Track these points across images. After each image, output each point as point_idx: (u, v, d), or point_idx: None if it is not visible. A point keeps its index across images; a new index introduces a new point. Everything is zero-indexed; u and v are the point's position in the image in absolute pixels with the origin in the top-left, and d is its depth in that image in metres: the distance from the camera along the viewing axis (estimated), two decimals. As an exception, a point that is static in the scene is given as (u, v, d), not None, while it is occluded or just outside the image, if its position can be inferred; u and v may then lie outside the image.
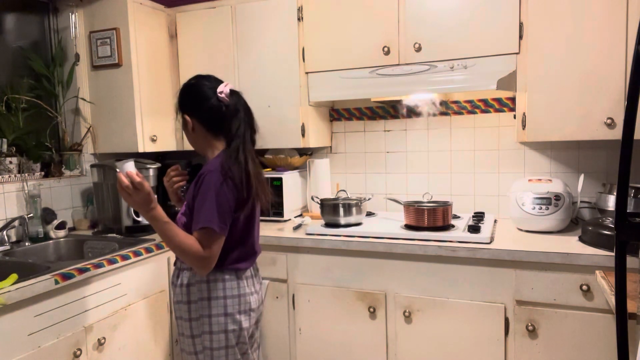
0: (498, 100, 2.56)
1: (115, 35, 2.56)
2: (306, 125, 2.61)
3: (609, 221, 1.97)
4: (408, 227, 2.29)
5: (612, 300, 1.43)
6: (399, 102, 2.65)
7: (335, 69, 2.49)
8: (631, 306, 1.33)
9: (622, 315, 1.31)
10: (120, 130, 2.63)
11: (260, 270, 1.84)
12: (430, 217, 2.22)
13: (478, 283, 2.03)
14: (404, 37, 2.33)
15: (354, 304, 2.24)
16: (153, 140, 2.67)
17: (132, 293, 2.09)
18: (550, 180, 2.28)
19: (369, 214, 2.68)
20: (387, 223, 2.44)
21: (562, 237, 2.11)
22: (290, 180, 2.74)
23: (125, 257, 2.03)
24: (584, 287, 1.86)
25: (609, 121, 2.01)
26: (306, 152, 2.92)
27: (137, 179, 1.48)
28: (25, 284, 1.63)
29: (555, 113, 2.11)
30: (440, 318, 2.09)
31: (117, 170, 1.51)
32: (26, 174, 2.38)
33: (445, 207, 2.24)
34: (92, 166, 2.55)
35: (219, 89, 1.61)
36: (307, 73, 2.57)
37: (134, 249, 2.11)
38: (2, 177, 2.27)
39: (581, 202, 2.38)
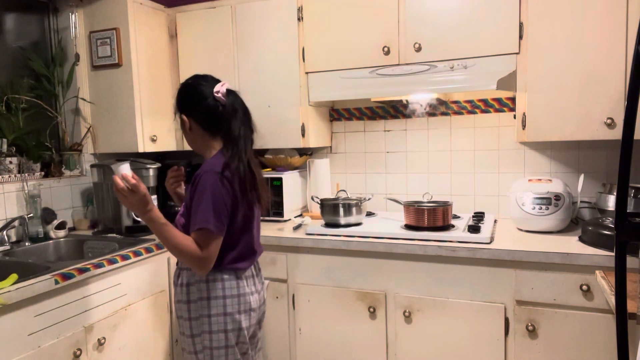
0: (498, 100, 2.56)
1: (115, 35, 2.56)
2: (306, 125, 2.61)
3: (609, 221, 1.97)
4: (408, 227, 2.29)
5: (612, 300, 1.43)
6: (399, 102, 2.65)
7: (335, 69, 2.49)
8: (631, 306, 1.33)
9: (622, 315, 1.31)
10: (120, 130, 2.63)
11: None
12: (430, 217, 2.22)
13: (478, 283, 2.03)
14: (404, 37, 2.33)
15: (354, 304, 2.24)
16: (153, 140, 2.67)
17: (132, 293, 2.09)
18: (550, 180, 2.28)
19: (369, 214, 2.68)
20: (387, 223, 2.44)
21: (562, 237, 2.11)
22: (290, 180, 2.74)
23: (125, 257, 2.03)
24: (584, 287, 1.86)
25: (609, 121, 2.01)
26: (306, 152, 2.92)
27: (132, 181, 1.48)
28: (25, 284, 1.63)
29: (555, 113, 2.11)
30: (440, 318, 2.09)
31: (113, 172, 1.50)
32: (26, 174, 2.38)
33: (445, 207, 2.24)
34: (92, 166, 2.56)
35: (215, 89, 1.61)
36: (307, 73, 2.57)
37: (134, 249, 2.11)
38: (2, 177, 2.27)
39: (581, 202, 2.38)
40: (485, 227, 2.22)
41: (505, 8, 2.15)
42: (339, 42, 2.46)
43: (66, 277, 1.76)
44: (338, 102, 2.90)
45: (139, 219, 2.43)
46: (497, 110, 2.58)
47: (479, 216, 2.44)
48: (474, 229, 2.13)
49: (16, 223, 2.27)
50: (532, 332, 1.95)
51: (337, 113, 2.91)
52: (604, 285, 1.63)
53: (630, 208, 1.87)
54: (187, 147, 1.75)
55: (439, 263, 2.08)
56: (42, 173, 2.49)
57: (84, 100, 2.68)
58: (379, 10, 2.36)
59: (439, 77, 2.28)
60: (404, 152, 2.78)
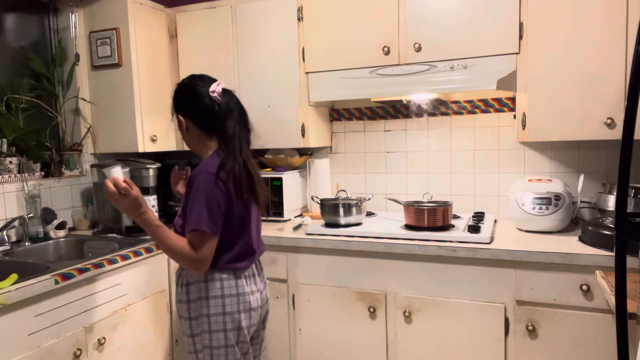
0: (498, 100, 2.56)
1: (115, 35, 2.56)
2: (306, 125, 2.61)
3: (609, 221, 1.97)
4: (408, 227, 2.29)
5: (612, 300, 1.43)
6: (399, 102, 2.65)
7: (335, 69, 2.49)
8: (631, 306, 1.33)
9: (622, 315, 1.31)
10: (120, 130, 2.63)
11: (261, 270, 1.84)
12: (430, 217, 2.22)
13: (478, 283, 2.03)
14: (404, 37, 2.33)
15: (354, 304, 2.24)
16: (153, 140, 2.67)
17: (132, 293, 2.09)
18: (550, 180, 2.28)
19: (369, 214, 2.68)
20: (387, 223, 2.44)
21: (562, 237, 2.11)
22: (290, 180, 2.74)
23: (125, 257, 2.03)
24: (584, 287, 1.86)
25: (609, 121, 2.01)
26: (306, 152, 2.92)
27: (122, 184, 1.50)
28: (25, 284, 1.63)
29: (555, 113, 2.11)
30: (440, 318, 2.09)
31: (104, 176, 1.52)
32: (26, 174, 2.38)
33: (445, 207, 2.24)
34: (92, 166, 2.56)
35: (211, 88, 1.61)
36: (307, 73, 2.57)
37: (134, 249, 2.11)
38: (2, 177, 2.27)
39: (581, 202, 2.38)
40: (485, 227, 2.22)
41: (505, 8, 2.15)
42: (339, 42, 2.46)
43: (66, 277, 1.76)
44: (338, 102, 2.90)
45: (137, 220, 2.43)
46: (497, 110, 2.58)
47: (479, 216, 2.44)
48: (474, 229, 2.13)
49: (16, 223, 2.27)
50: (532, 332, 1.95)
51: (337, 113, 2.91)
52: (604, 285, 1.63)
53: (630, 208, 1.87)
54: (187, 147, 1.75)
55: (439, 263, 2.08)
56: (42, 173, 2.49)
57: (84, 100, 2.68)
58: (379, 10, 2.36)
59: (439, 77, 2.28)
60: (404, 152, 2.78)
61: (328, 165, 2.85)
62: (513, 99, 2.46)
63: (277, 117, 2.61)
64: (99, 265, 1.90)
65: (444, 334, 2.09)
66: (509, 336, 2.00)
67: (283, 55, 2.58)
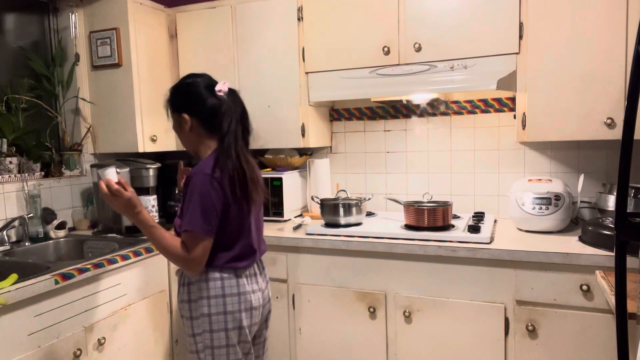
0: (498, 100, 2.56)
1: (115, 35, 2.56)
2: (306, 125, 2.61)
3: (609, 221, 1.97)
4: (408, 227, 2.29)
5: (612, 300, 1.43)
6: (399, 102, 2.65)
7: (335, 69, 2.49)
8: (631, 306, 1.33)
9: (622, 315, 1.31)
10: (120, 130, 2.63)
11: (261, 270, 1.84)
12: (430, 217, 2.22)
13: (478, 283, 2.03)
14: (404, 37, 2.33)
15: (354, 304, 2.24)
16: (153, 140, 2.67)
17: (132, 293, 2.09)
18: (550, 180, 2.28)
19: (369, 214, 2.68)
20: (387, 223, 2.44)
21: (562, 237, 2.11)
22: (290, 180, 2.74)
23: (125, 257, 2.03)
24: (584, 287, 1.86)
25: (609, 121, 2.01)
26: (306, 152, 2.92)
27: (115, 186, 1.52)
28: (25, 284, 1.63)
29: (555, 113, 2.11)
30: (440, 318, 2.09)
31: (99, 177, 1.54)
32: (26, 174, 2.38)
33: (445, 207, 2.24)
34: (92, 166, 2.56)
35: (217, 87, 1.61)
36: (307, 73, 2.57)
37: (134, 249, 2.11)
38: (2, 177, 2.27)
39: (581, 202, 2.38)
40: (485, 227, 2.22)
41: (505, 8, 2.15)
42: (339, 42, 2.46)
43: (66, 277, 1.76)
44: (338, 102, 2.90)
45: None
46: (497, 110, 2.58)
47: (479, 216, 2.44)
48: (474, 229, 2.13)
49: (16, 223, 2.27)
50: (532, 332, 1.95)
51: (337, 113, 2.91)
52: (604, 285, 1.63)
53: (630, 208, 1.88)
54: (184, 147, 1.74)
55: (439, 263, 2.08)
56: (42, 173, 2.49)
57: (84, 100, 2.68)
58: (379, 10, 2.36)
59: (439, 77, 2.28)
60: (404, 152, 2.78)
61: (328, 165, 2.85)
62: (513, 99, 2.46)
63: (277, 117, 2.61)
64: (99, 265, 1.90)
65: (444, 334, 2.09)
66: (509, 336, 2.00)
67: (283, 55, 2.58)
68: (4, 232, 2.20)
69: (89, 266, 1.86)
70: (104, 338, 1.92)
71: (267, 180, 2.66)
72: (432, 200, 2.33)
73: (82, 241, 2.39)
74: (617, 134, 1.98)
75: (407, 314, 2.14)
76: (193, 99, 1.64)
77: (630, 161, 1.28)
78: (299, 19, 2.54)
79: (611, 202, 2.10)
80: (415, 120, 2.74)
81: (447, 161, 2.69)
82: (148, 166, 2.54)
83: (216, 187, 1.54)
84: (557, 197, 2.16)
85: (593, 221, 2.08)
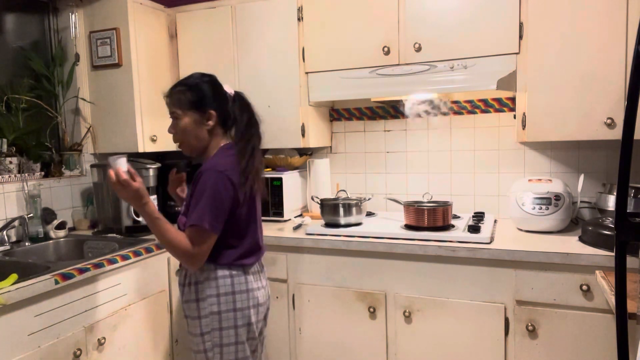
0: (498, 100, 2.56)
1: (115, 35, 2.56)
2: (306, 125, 2.61)
3: (609, 221, 1.97)
4: (408, 227, 2.29)
5: (612, 300, 1.43)
6: (399, 102, 2.65)
7: (335, 69, 2.49)
8: (631, 306, 1.33)
9: (622, 315, 1.31)
10: (120, 130, 2.63)
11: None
12: (430, 217, 2.22)
13: (478, 283, 2.03)
14: (404, 37, 2.33)
15: (354, 304, 2.24)
16: (153, 140, 2.67)
17: (132, 293, 2.09)
18: (550, 180, 2.28)
19: (369, 214, 2.68)
20: (387, 223, 2.44)
21: (562, 237, 2.11)
22: (290, 180, 2.74)
23: (125, 257, 2.03)
24: (584, 287, 1.86)
25: (609, 121, 2.01)
26: (306, 152, 2.92)
27: (123, 176, 1.51)
28: (25, 284, 1.63)
29: (555, 113, 2.11)
30: (440, 318, 2.09)
31: (109, 165, 1.53)
32: (26, 174, 2.38)
33: (445, 207, 2.24)
34: (92, 166, 2.56)
35: (225, 88, 1.70)
36: (307, 73, 2.57)
37: (134, 249, 2.11)
38: (2, 177, 2.27)
39: (581, 202, 2.38)
40: (485, 227, 2.22)
41: (505, 8, 2.15)
42: (339, 42, 2.46)
43: (66, 277, 1.76)
44: (338, 102, 2.90)
45: (139, 219, 2.43)
46: (497, 110, 2.58)
47: (479, 216, 2.44)
48: (474, 229, 2.13)
49: (16, 223, 2.27)
50: (532, 332, 1.95)
51: (337, 113, 2.91)
52: (604, 285, 1.63)
53: (630, 208, 1.88)
54: (193, 143, 1.71)
55: (439, 263, 2.08)
56: (42, 173, 2.49)
57: (84, 100, 2.68)
58: (379, 10, 2.36)
59: (439, 77, 2.28)
60: (404, 152, 2.78)
61: (328, 165, 2.85)
62: (513, 99, 2.46)
63: (277, 117, 2.61)
64: (99, 265, 1.90)
65: (444, 334, 2.09)
66: (509, 336, 2.00)
67: (283, 55, 2.58)
68: (4, 232, 2.20)
69: (89, 266, 1.86)
70: (104, 338, 1.92)
71: (267, 180, 2.66)
72: (432, 200, 2.33)
73: (82, 241, 2.39)
74: (617, 134, 1.98)
75: (407, 314, 2.14)
76: (218, 96, 1.68)
77: (630, 161, 1.28)
78: (299, 19, 2.54)
79: (611, 202, 2.10)
80: (415, 120, 2.73)
81: (447, 161, 2.69)
82: (148, 166, 2.54)
83: (228, 185, 1.56)
84: (557, 197, 2.17)
85: (593, 221, 2.08)
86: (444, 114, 2.67)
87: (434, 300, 2.10)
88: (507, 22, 2.15)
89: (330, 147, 2.96)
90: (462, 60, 2.24)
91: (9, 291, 1.57)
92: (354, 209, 2.39)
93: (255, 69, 2.65)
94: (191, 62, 2.78)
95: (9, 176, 2.30)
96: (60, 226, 2.39)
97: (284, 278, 2.37)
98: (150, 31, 2.69)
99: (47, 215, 2.41)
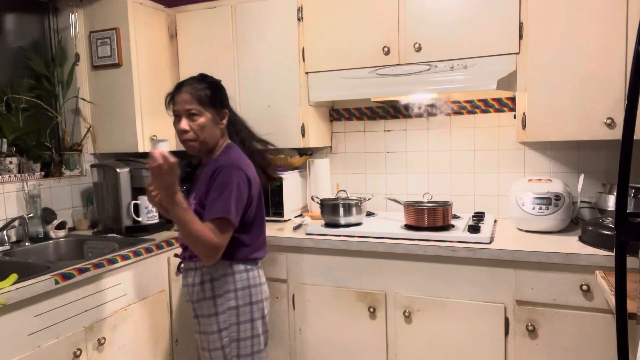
0: (498, 100, 2.56)
1: (115, 35, 2.56)
2: (306, 125, 2.61)
3: (609, 221, 1.97)
4: (408, 227, 2.29)
5: (612, 300, 1.43)
6: (398, 102, 2.65)
7: (335, 69, 2.49)
8: (631, 306, 1.33)
9: (622, 315, 1.31)
10: (120, 130, 2.63)
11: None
12: (430, 217, 2.22)
13: (478, 283, 2.03)
14: (404, 37, 2.33)
15: (354, 304, 2.24)
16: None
17: (132, 293, 2.09)
18: (550, 180, 2.28)
19: (369, 214, 2.68)
20: (387, 223, 2.44)
21: (562, 237, 2.11)
22: (290, 180, 2.74)
23: (125, 257, 2.03)
24: (584, 287, 1.86)
25: (609, 121, 2.01)
26: (306, 152, 2.92)
27: (172, 159, 1.46)
28: (25, 284, 1.63)
29: (555, 113, 2.11)
30: (440, 318, 2.09)
31: (153, 148, 1.48)
32: (26, 174, 2.38)
33: (445, 207, 2.24)
34: (92, 166, 2.56)
35: None
36: (307, 73, 2.57)
37: (134, 249, 2.11)
38: (2, 177, 2.27)
39: (581, 202, 2.38)
40: (485, 227, 2.22)
41: (505, 8, 2.15)
42: (339, 42, 2.46)
43: (66, 277, 1.76)
44: (338, 102, 2.90)
45: (139, 219, 2.43)
46: (497, 110, 2.58)
47: (479, 216, 2.44)
48: (474, 229, 2.13)
49: (16, 223, 2.27)
50: (532, 332, 1.95)
51: (337, 113, 2.91)
52: (604, 285, 1.63)
53: (630, 208, 1.88)
54: (207, 141, 1.71)
55: (439, 263, 2.08)
56: (42, 173, 2.49)
57: (84, 100, 2.68)
58: (379, 10, 2.36)
59: (439, 77, 2.28)
60: (404, 152, 2.78)
61: (328, 165, 2.85)
62: (513, 99, 2.46)
63: (277, 117, 2.61)
64: (99, 265, 1.90)
65: (444, 334, 2.09)
66: (509, 336, 2.00)
67: (283, 55, 2.58)
68: (4, 232, 2.20)
69: (89, 266, 1.86)
70: (104, 338, 1.92)
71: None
72: (432, 200, 2.33)
73: (82, 241, 2.39)
74: (617, 134, 1.97)
75: (407, 314, 2.14)
76: (226, 97, 1.76)
77: (630, 161, 1.28)
78: (299, 19, 2.54)
79: (611, 202, 2.09)
80: (415, 120, 2.74)
81: (447, 161, 2.69)
82: (148, 166, 2.53)
83: (245, 181, 1.62)
84: (557, 197, 2.17)
85: (593, 221, 2.08)
86: (446, 114, 2.67)
87: (434, 300, 2.10)
88: (507, 22, 2.15)
89: (330, 147, 2.96)
90: (462, 60, 2.24)
91: (9, 291, 1.57)
92: (354, 209, 2.39)
93: (255, 69, 2.65)
94: (191, 62, 2.78)
95: (9, 176, 2.30)
96: (60, 226, 2.39)
97: (284, 278, 2.37)
98: (150, 31, 2.69)
99: (47, 215, 2.41)
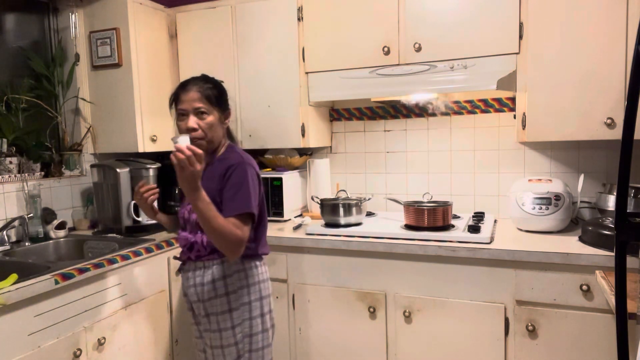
0: (498, 100, 2.56)
1: (115, 35, 2.56)
2: (306, 125, 2.61)
3: (609, 221, 1.97)
4: (408, 227, 2.29)
5: (612, 300, 1.43)
6: (398, 102, 2.65)
7: (335, 69, 2.49)
8: (631, 306, 1.33)
9: (622, 315, 1.31)
10: (120, 130, 2.63)
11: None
12: (430, 217, 2.22)
13: (478, 283, 2.03)
14: (404, 37, 2.33)
15: (354, 304, 2.24)
16: (153, 140, 2.67)
17: (132, 293, 2.09)
18: (550, 180, 2.28)
19: (369, 214, 2.68)
20: (387, 223, 2.44)
21: (562, 237, 2.11)
22: (290, 180, 2.74)
23: (125, 257, 2.03)
24: (584, 287, 1.86)
25: (609, 121, 2.01)
26: (306, 152, 2.92)
27: (200, 151, 1.44)
28: (25, 284, 1.63)
29: (555, 113, 2.11)
30: (440, 318, 2.09)
31: (175, 142, 1.45)
32: (26, 174, 2.38)
33: (445, 207, 2.24)
34: (92, 166, 2.56)
35: None
36: (307, 73, 2.57)
37: (134, 249, 2.11)
38: (2, 177, 2.27)
39: (581, 202, 2.38)
40: (485, 227, 2.22)
41: (505, 8, 2.15)
42: (339, 42, 2.46)
43: (66, 277, 1.76)
44: (338, 102, 2.90)
45: (139, 219, 2.43)
46: (497, 110, 2.58)
47: (479, 216, 2.44)
48: (474, 229, 2.13)
49: (16, 223, 2.26)
50: (532, 332, 1.95)
51: (337, 113, 2.91)
52: (604, 285, 1.63)
53: (630, 208, 1.87)
54: (214, 139, 1.73)
55: (439, 263, 2.08)
56: (42, 173, 2.49)
57: (84, 100, 2.68)
58: (379, 10, 2.36)
59: (439, 77, 2.28)
60: (404, 152, 2.78)
61: (328, 165, 2.85)
62: (513, 99, 2.46)
63: (277, 117, 2.61)
64: (99, 265, 1.90)
65: (444, 334, 2.09)
66: (509, 336, 2.00)
67: (283, 55, 2.58)
68: (4, 232, 2.20)
69: (89, 266, 1.86)
70: (104, 338, 1.92)
71: (267, 180, 2.66)
72: (432, 200, 2.33)
73: (82, 241, 2.39)
74: (617, 134, 1.97)
75: (407, 314, 2.14)
76: (227, 98, 1.78)
77: (630, 161, 1.28)
78: (299, 19, 2.54)
79: (611, 202, 2.09)
80: (415, 120, 2.74)
81: (447, 161, 2.69)
82: (148, 166, 2.54)
83: (256, 178, 1.66)
84: (557, 197, 2.17)
85: (593, 221, 2.08)
86: (444, 113, 2.67)
87: (434, 300, 2.10)
88: (507, 22, 2.15)
89: (330, 147, 2.96)
90: (462, 60, 2.24)
91: (9, 291, 1.57)
92: (354, 209, 2.39)
93: (255, 69, 2.65)
94: (191, 62, 2.78)
95: (9, 176, 2.30)
96: (60, 226, 2.39)
97: (284, 278, 2.37)
98: (150, 31, 2.69)
99: (47, 215, 2.41)
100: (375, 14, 2.37)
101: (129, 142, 2.61)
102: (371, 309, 2.20)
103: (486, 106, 2.59)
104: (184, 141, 1.45)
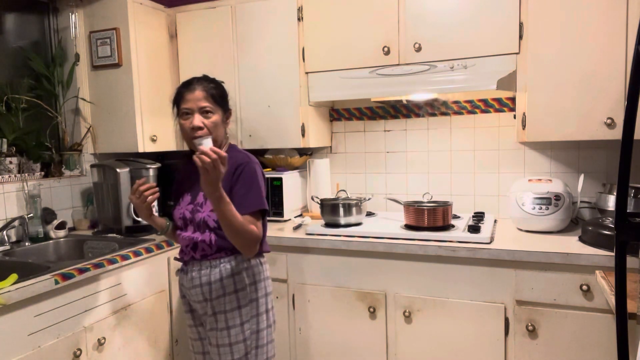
0: (498, 100, 2.56)
1: (115, 35, 2.56)
2: (306, 125, 2.61)
3: (609, 221, 1.97)
4: (408, 227, 2.29)
5: (612, 300, 1.43)
6: (398, 102, 2.65)
7: (335, 69, 2.49)
8: (631, 306, 1.33)
9: (622, 315, 1.31)
10: (120, 130, 2.63)
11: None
12: (430, 217, 2.22)
13: (478, 283, 2.03)
14: (404, 37, 2.33)
15: (354, 304, 2.24)
16: (153, 140, 2.67)
17: (132, 293, 2.09)
18: (550, 180, 2.28)
19: (369, 214, 2.68)
20: (387, 223, 2.44)
21: (562, 237, 2.11)
22: (290, 180, 2.74)
23: (125, 257, 2.03)
24: (584, 287, 1.86)
25: (609, 121, 2.01)
26: (306, 152, 2.92)
27: (224, 154, 1.44)
28: (25, 284, 1.63)
29: (555, 113, 2.11)
30: (440, 318, 2.09)
31: (199, 144, 1.45)
32: (26, 174, 2.38)
33: (445, 207, 2.24)
34: (92, 166, 2.56)
35: None
36: (307, 73, 2.57)
37: (134, 249, 2.11)
38: (2, 177, 2.27)
39: (581, 202, 2.38)
40: (485, 227, 2.22)
41: (505, 8, 2.15)
42: (339, 42, 2.46)
43: (66, 277, 1.76)
44: (338, 102, 2.90)
45: (139, 219, 2.43)
46: (497, 110, 2.58)
47: (479, 216, 2.44)
48: (474, 229, 2.13)
49: (16, 223, 2.27)
50: (532, 332, 1.95)
51: (337, 113, 2.91)
52: (604, 285, 1.63)
53: (630, 208, 1.88)
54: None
55: (439, 263, 2.08)
56: (42, 173, 2.49)
57: (84, 100, 2.68)
58: (379, 10, 2.36)
59: (439, 77, 2.28)
60: (404, 152, 2.78)
61: (328, 165, 2.85)
62: (513, 99, 2.46)
63: (277, 117, 2.61)
64: (99, 265, 1.90)
65: (444, 334, 2.09)
66: (509, 336, 2.00)
67: (283, 55, 2.58)
68: (4, 232, 2.20)
69: (89, 266, 1.86)
70: (104, 338, 1.92)
71: (268, 180, 2.66)
72: (432, 200, 2.33)
73: (82, 241, 2.39)
74: (617, 134, 1.98)
75: (407, 314, 2.14)
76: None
77: (630, 161, 1.28)
78: (299, 19, 2.54)
79: (611, 202, 2.09)
80: (415, 120, 2.74)
81: (447, 161, 2.69)
82: (148, 166, 2.54)
83: (262, 177, 1.70)
84: (557, 197, 2.17)
85: (593, 221, 2.08)
86: (444, 113, 2.67)
87: (434, 300, 2.10)
88: (507, 22, 2.15)
89: (330, 147, 2.96)
90: (462, 60, 2.24)
91: (9, 291, 1.57)
92: (354, 209, 2.39)
93: (255, 69, 2.65)
94: (191, 62, 2.78)
95: (9, 176, 2.30)
96: (60, 226, 2.39)
97: (284, 278, 2.37)
98: (150, 31, 2.69)
99: (47, 215, 2.41)
100: (375, 14, 2.37)
101: (129, 142, 2.61)
102: (371, 309, 2.20)
103: (486, 106, 2.59)
104: (208, 144, 1.45)
